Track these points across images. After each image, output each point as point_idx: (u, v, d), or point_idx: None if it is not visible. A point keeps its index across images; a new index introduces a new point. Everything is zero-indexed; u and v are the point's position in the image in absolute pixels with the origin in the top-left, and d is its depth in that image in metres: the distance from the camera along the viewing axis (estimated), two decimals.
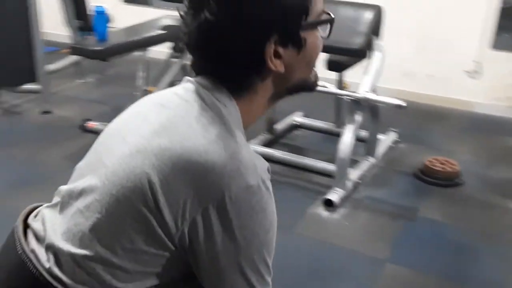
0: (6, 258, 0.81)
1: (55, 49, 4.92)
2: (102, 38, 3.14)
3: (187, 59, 3.99)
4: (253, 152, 0.82)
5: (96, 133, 3.31)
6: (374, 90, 2.83)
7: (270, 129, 3.40)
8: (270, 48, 0.80)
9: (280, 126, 3.55)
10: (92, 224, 0.77)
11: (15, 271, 0.79)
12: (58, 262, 0.77)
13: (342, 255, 2.32)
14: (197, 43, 0.80)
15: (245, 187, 0.76)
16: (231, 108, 0.82)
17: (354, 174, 2.92)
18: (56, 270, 0.76)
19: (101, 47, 3.03)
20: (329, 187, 2.80)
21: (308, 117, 3.76)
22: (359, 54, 2.84)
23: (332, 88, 2.77)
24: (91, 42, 3.16)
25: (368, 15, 2.86)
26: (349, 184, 2.81)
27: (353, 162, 3.03)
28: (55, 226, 0.81)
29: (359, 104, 2.72)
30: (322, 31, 0.88)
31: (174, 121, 0.79)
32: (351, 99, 2.73)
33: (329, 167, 2.87)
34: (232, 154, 0.77)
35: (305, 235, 2.48)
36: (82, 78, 4.58)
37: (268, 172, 0.83)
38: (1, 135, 3.42)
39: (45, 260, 0.78)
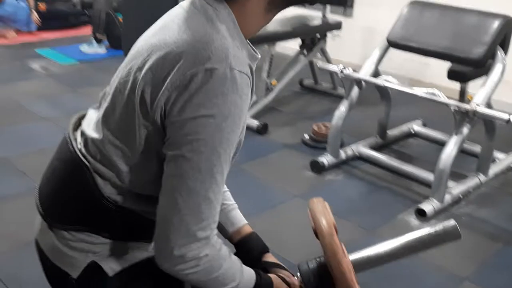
0: (61, 142, 1.04)
1: None
2: None
3: (314, 57, 4.13)
4: (237, 46, 0.87)
5: None
6: (488, 104, 2.69)
7: (381, 133, 3.39)
8: None
9: (394, 132, 3.51)
10: (103, 112, 0.96)
11: (61, 148, 1.02)
12: (86, 145, 0.97)
13: (420, 264, 2.28)
14: None
15: (208, 69, 0.81)
16: (221, 11, 0.88)
17: (457, 188, 2.80)
18: (84, 151, 0.97)
19: None
20: (426, 198, 2.73)
21: (427, 126, 3.66)
22: (477, 64, 2.71)
23: (441, 97, 2.69)
24: None
25: (494, 25, 2.72)
26: (448, 198, 2.72)
27: (460, 177, 2.92)
28: (89, 120, 1.01)
29: (467, 116, 2.61)
30: None
31: (166, 24, 0.91)
32: (460, 111, 2.63)
33: (430, 177, 2.80)
34: (201, 38, 0.83)
35: (387, 238, 2.47)
36: None
37: (250, 70, 0.88)
38: None
39: (79, 143, 0.99)
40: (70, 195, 0.97)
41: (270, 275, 1.09)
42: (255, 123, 3.53)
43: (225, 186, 1.17)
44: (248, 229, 1.21)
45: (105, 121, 0.94)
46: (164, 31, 0.89)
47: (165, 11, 0.97)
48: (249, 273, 1.00)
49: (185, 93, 0.82)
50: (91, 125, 0.99)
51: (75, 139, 1.00)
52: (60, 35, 5.87)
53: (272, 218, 2.59)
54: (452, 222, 1.11)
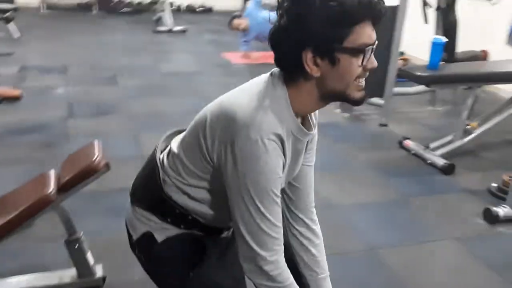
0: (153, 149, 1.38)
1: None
2: (433, 67, 3.43)
3: None
4: (271, 119, 1.09)
5: (409, 151, 3.70)
6: None
7: None
8: (305, 56, 1.08)
9: None
10: (182, 137, 1.26)
11: (152, 153, 1.35)
12: (168, 154, 1.28)
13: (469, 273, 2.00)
14: (271, 41, 1.14)
15: (246, 137, 1.07)
16: (278, 89, 1.14)
17: None
18: (164, 158, 1.28)
19: (425, 73, 3.33)
20: None
21: None
22: None
23: None
24: (420, 68, 3.49)
25: None
26: None
27: None
28: (178, 137, 1.32)
29: None
30: (360, 59, 1.10)
31: (240, 90, 1.19)
32: None
33: None
34: (251, 113, 1.08)
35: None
36: (432, 105, 4.90)
37: (276, 136, 1.10)
38: (347, 134, 4.18)
39: (163, 151, 1.31)
40: (143, 185, 1.32)
41: None
42: (441, 161, 3.45)
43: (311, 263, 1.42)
44: None
45: (182, 141, 1.25)
46: (234, 95, 1.17)
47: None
48: None
49: (228, 147, 1.09)
50: (177, 140, 1.30)
51: (162, 149, 1.32)
52: None
53: (416, 253, 2.55)
54: None
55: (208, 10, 10.69)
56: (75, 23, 8.62)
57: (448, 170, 3.42)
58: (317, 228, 1.44)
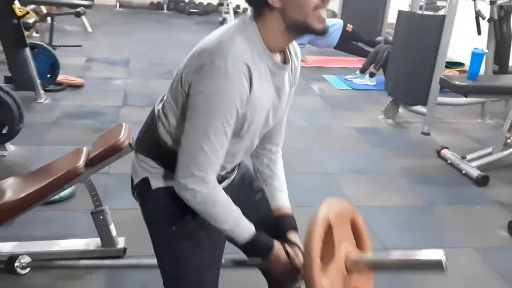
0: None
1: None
2: (472, 77, 3.40)
3: None
4: (238, 50, 1.19)
5: (446, 160, 3.68)
6: None
7: None
8: None
9: None
10: (169, 87, 1.36)
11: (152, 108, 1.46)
12: (163, 104, 1.39)
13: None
14: None
15: (211, 63, 1.17)
16: (249, 26, 1.25)
17: None
18: (160, 107, 1.38)
19: (463, 83, 3.32)
20: None
21: None
22: None
23: None
24: (459, 78, 3.47)
25: None
26: None
27: None
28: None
29: None
30: None
31: (214, 31, 1.28)
32: None
33: None
34: (219, 43, 1.20)
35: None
36: (481, 117, 4.80)
37: (243, 64, 1.19)
38: (387, 140, 4.22)
39: (161, 103, 1.42)
40: (144, 133, 1.45)
41: (277, 242, 1.37)
42: (476, 173, 3.42)
43: (278, 167, 1.51)
44: (287, 211, 1.50)
45: (170, 88, 1.38)
46: (209, 35, 1.30)
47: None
48: (247, 227, 1.32)
49: (195, 75, 1.22)
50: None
51: (157, 104, 1.46)
52: (342, 64, 6.58)
53: None
54: (439, 256, 1.15)
55: None
56: (145, 21, 9.08)
57: (481, 181, 3.38)
58: (279, 154, 1.56)
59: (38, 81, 4.39)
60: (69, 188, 2.76)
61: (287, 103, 1.46)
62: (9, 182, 2.28)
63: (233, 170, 1.49)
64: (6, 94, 3.23)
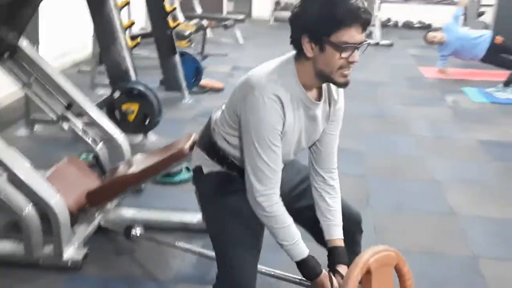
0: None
1: None
2: None
3: None
4: (274, 84, 1.47)
5: None
6: None
7: None
8: (304, 40, 1.46)
9: None
10: (228, 100, 1.65)
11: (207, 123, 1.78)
12: (220, 113, 1.68)
13: None
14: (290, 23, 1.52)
15: (252, 95, 1.48)
16: (289, 65, 1.53)
17: None
18: (217, 115, 1.70)
19: None
20: None
21: None
22: None
23: None
24: None
25: None
26: None
27: None
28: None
29: None
30: (342, 54, 1.43)
31: (264, 64, 1.57)
32: None
33: None
34: (260, 79, 1.50)
35: None
36: None
37: (276, 96, 1.47)
38: None
39: (216, 111, 1.74)
40: (202, 133, 1.78)
41: (324, 271, 1.61)
42: None
43: (334, 200, 1.72)
44: (339, 243, 1.69)
45: (227, 101, 1.65)
46: (260, 66, 1.58)
47: None
48: (303, 250, 1.59)
49: (242, 103, 1.52)
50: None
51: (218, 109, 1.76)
52: (487, 77, 6.23)
53: None
54: None
55: (426, 27, 10.60)
56: None
57: None
58: (335, 184, 1.73)
59: (184, 84, 5.04)
60: (188, 174, 3.25)
61: (327, 132, 1.68)
62: (136, 158, 2.79)
63: None
64: (150, 91, 3.84)
